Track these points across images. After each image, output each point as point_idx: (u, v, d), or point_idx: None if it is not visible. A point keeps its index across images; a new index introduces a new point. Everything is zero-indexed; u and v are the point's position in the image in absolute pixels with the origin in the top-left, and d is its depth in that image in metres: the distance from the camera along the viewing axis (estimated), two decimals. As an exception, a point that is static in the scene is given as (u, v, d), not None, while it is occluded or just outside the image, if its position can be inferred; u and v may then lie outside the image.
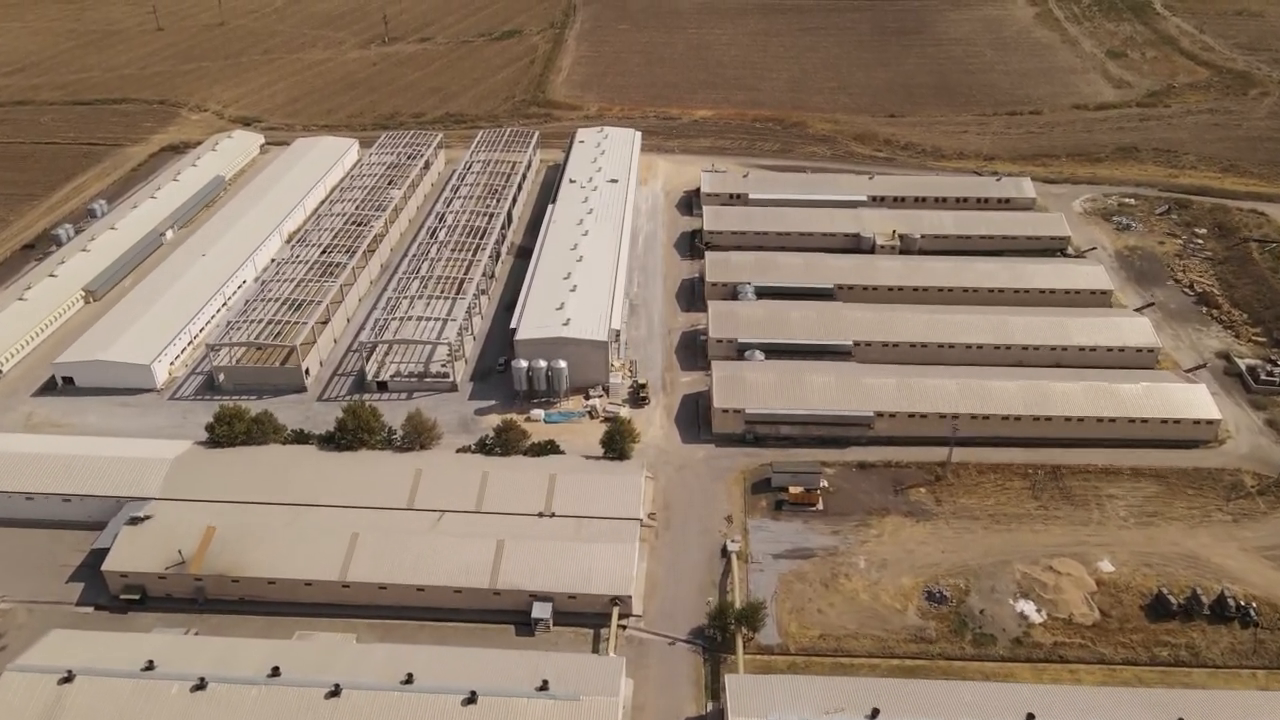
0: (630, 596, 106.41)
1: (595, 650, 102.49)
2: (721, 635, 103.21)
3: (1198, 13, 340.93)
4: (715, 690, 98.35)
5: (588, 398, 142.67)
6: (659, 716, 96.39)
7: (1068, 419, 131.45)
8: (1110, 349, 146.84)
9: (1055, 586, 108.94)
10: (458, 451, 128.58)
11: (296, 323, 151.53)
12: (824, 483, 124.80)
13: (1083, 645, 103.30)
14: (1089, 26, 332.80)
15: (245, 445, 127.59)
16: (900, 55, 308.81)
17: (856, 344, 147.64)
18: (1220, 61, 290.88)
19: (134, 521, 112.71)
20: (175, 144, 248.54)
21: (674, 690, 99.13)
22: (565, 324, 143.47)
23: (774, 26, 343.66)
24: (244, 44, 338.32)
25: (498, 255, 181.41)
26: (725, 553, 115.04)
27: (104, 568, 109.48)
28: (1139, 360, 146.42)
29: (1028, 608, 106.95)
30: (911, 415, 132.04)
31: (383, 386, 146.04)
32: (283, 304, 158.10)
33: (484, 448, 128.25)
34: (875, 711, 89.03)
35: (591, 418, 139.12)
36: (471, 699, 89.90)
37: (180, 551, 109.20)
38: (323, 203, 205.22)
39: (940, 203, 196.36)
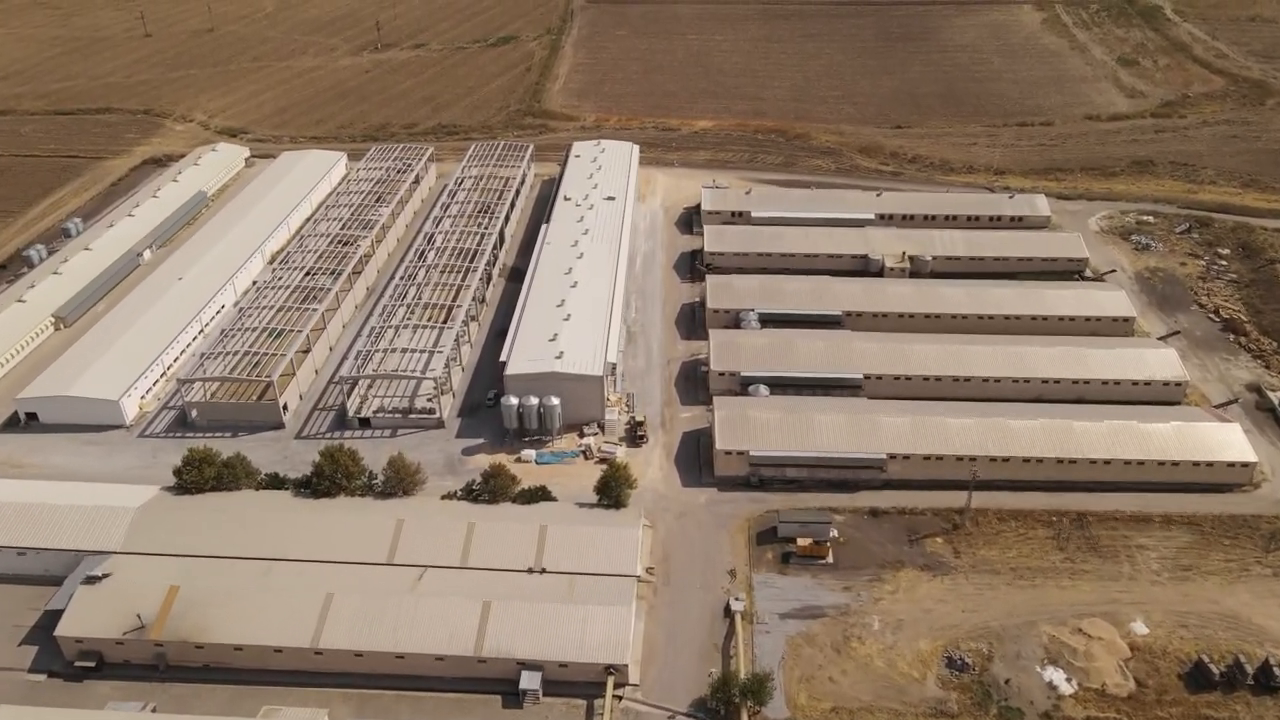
0: (626, 665, 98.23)
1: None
2: (725, 709, 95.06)
3: (1209, 18, 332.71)
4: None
5: (582, 436, 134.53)
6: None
7: (1093, 461, 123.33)
8: (1135, 382, 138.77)
9: (1086, 652, 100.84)
10: (443, 498, 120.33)
11: (275, 354, 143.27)
12: (834, 532, 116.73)
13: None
14: (1098, 33, 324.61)
15: (216, 491, 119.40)
16: (905, 62, 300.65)
17: (867, 377, 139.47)
18: (1235, 70, 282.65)
19: (91, 580, 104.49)
20: (158, 156, 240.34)
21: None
22: (558, 357, 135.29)
23: (776, 32, 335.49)
24: (233, 50, 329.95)
25: (489, 278, 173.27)
26: (729, 612, 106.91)
27: (58, 633, 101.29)
28: (1165, 394, 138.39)
29: (1057, 676, 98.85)
30: (927, 458, 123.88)
31: (365, 423, 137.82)
32: (261, 333, 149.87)
33: (470, 494, 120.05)
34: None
35: (586, 458, 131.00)
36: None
37: (139, 615, 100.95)
38: (308, 220, 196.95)
39: (951, 221, 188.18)
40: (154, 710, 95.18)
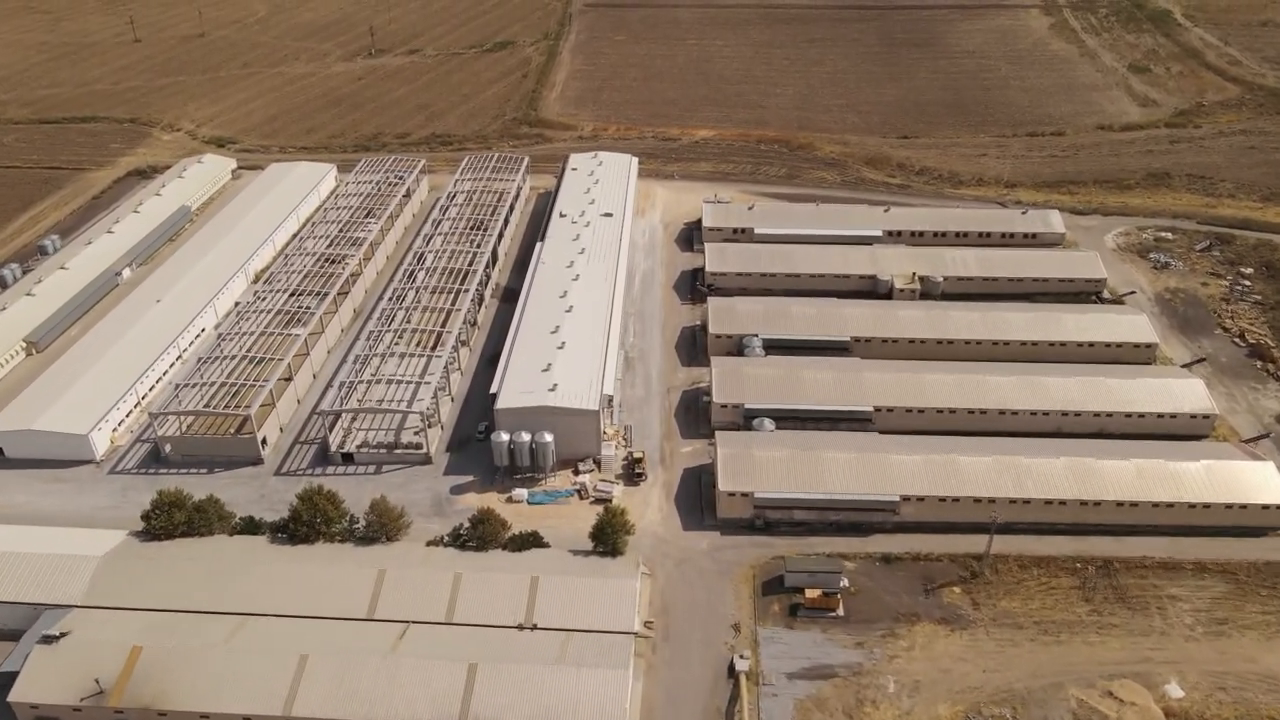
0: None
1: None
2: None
3: (1221, 23, 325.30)
4: None
5: (577, 473, 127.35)
6: None
7: (1119, 504, 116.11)
8: (1161, 415, 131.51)
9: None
10: (428, 544, 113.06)
11: (254, 385, 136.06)
12: (845, 582, 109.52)
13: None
14: (1108, 38, 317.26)
15: (187, 536, 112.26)
16: (911, 69, 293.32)
17: (878, 409, 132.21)
18: (1249, 77, 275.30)
19: (48, 640, 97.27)
20: (143, 168, 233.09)
21: None
22: (552, 390, 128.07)
23: (778, 37, 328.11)
24: (224, 56, 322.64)
25: (481, 299, 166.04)
26: (733, 672, 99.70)
27: (11, 698, 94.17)
28: (1193, 428, 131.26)
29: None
30: (942, 499, 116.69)
31: (348, 459, 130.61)
32: (240, 361, 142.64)
33: (458, 540, 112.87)
34: None
35: (581, 497, 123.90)
36: None
37: (98, 681, 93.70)
38: (294, 237, 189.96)
39: (962, 238, 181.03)
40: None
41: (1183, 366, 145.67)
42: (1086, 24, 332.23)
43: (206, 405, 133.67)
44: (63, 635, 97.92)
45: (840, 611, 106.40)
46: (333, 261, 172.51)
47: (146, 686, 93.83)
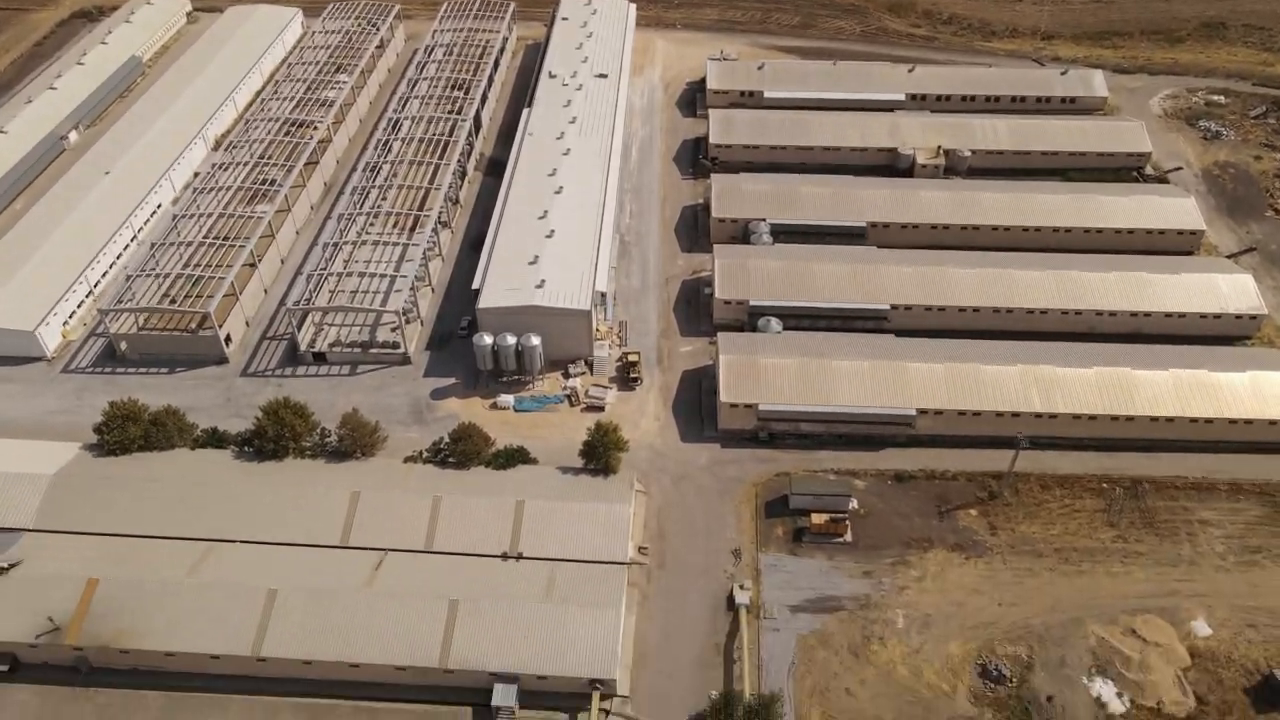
0: (614, 679, 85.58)
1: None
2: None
3: None
4: (718, 814, 79.23)
5: (567, 375, 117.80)
6: None
7: (1154, 419, 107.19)
8: (1204, 315, 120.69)
9: (1141, 662, 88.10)
10: (406, 460, 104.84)
11: (213, 276, 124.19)
12: (854, 503, 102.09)
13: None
14: None
15: (146, 450, 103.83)
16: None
17: (894, 308, 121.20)
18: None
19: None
20: (89, 9, 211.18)
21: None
22: (539, 287, 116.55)
23: None
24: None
25: (464, 173, 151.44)
26: (733, 604, 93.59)
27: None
28: (1239, 328, 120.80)
29: (1106, 690, 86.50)
30: (962, 413, 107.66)
31: (320, 358, 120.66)
32: (198, 247, 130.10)
33: (438, 455, 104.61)
34: None
35: (571, 404, 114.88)
36: None
37: (51, 618, 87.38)
38: (257, 96, 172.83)
39: (993, 102, 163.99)
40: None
41: (1228, 257, 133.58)
42: None
43: (163, 298, 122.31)
44: (10, 567, 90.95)
45: (848, 537, 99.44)
46: (300, 126, 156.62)
47: (105, 623, 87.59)
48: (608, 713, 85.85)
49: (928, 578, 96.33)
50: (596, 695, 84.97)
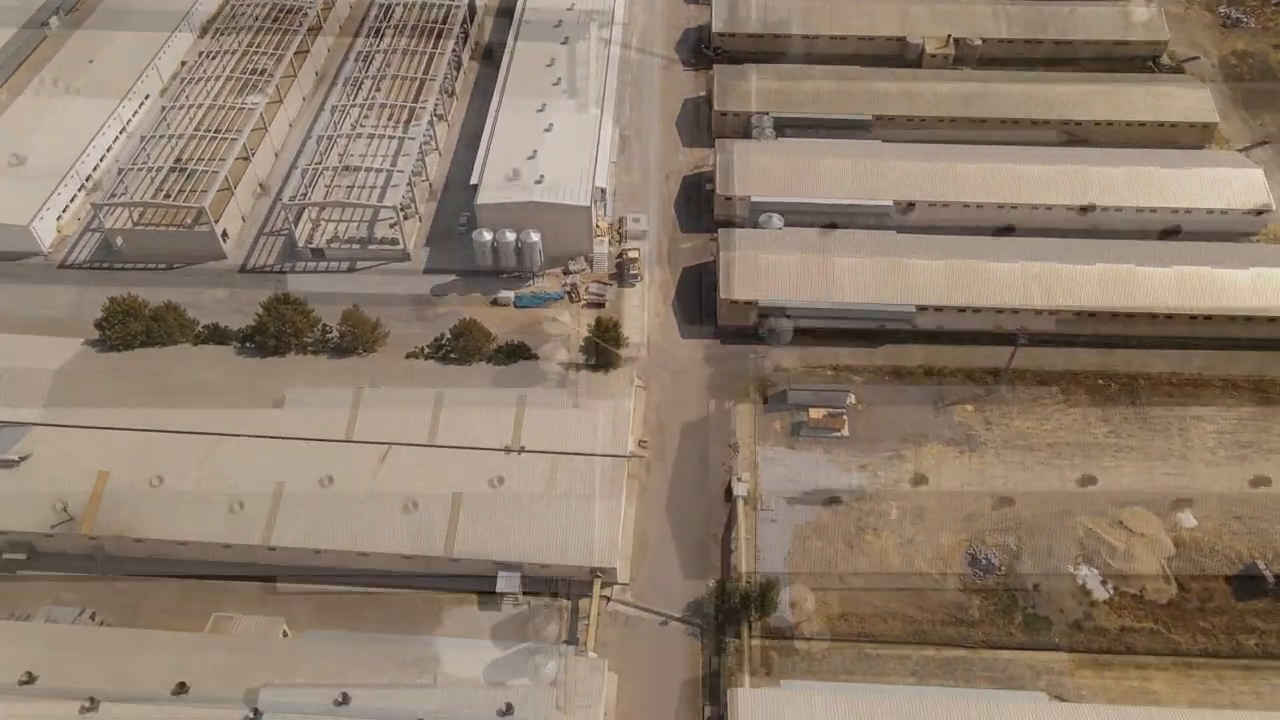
0: (614, 568, 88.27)
1: (571, 640, 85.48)
2: (724, 617, 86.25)
3: None
4: (715, 692, 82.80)
5: (567, 272, 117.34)
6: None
7: (1154, 316, 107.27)
8: (1210, 211, 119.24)
9: (1126, 551, 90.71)
10: (407, 357, 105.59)
11: (207, 170, 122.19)
12: (851, 398, 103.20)
13: (1154, 632, 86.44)
14: None
15: (147, 346, 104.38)
16: None
17: (897, 203, 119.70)
18: None
19: (7, 464, 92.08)
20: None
21: (666, 689, 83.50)
22: (538, 182, 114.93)
23: None
24: None
25: (459, 63, 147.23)
26: (730, 496, 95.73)
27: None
28: (1247, 225, 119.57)
29: (1091, 579, 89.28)
30: (962, 309, 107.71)
31: (319, 254, 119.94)
32: (190, 139, 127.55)
33: (439, 351, 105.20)
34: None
35: (571, 300, 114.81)
36: (420, 729, 74.46)
37: (66, 507, 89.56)
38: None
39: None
40: (93, 617, 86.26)
41: (1240, 150, 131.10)
42: None
43: (156, 192, 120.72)
44: (22, 459, 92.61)
45: (845, 431, 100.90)
46: (289, 12, 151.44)
47: (118, 514, 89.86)
48: (609, 599, 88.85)
49: (923, 471, 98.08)
50: (598, 583, 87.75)
